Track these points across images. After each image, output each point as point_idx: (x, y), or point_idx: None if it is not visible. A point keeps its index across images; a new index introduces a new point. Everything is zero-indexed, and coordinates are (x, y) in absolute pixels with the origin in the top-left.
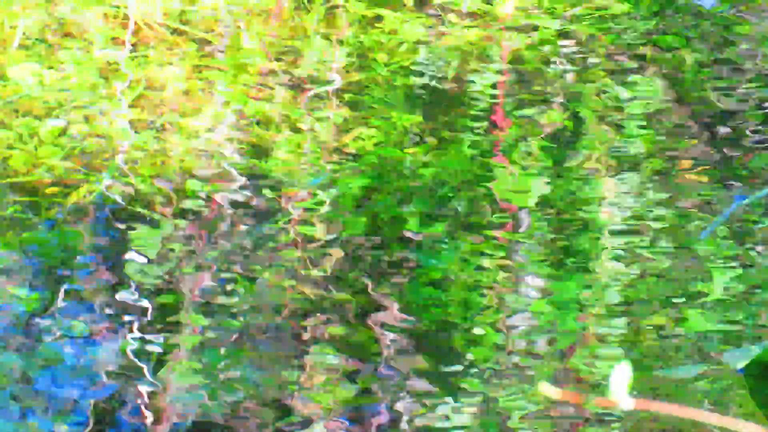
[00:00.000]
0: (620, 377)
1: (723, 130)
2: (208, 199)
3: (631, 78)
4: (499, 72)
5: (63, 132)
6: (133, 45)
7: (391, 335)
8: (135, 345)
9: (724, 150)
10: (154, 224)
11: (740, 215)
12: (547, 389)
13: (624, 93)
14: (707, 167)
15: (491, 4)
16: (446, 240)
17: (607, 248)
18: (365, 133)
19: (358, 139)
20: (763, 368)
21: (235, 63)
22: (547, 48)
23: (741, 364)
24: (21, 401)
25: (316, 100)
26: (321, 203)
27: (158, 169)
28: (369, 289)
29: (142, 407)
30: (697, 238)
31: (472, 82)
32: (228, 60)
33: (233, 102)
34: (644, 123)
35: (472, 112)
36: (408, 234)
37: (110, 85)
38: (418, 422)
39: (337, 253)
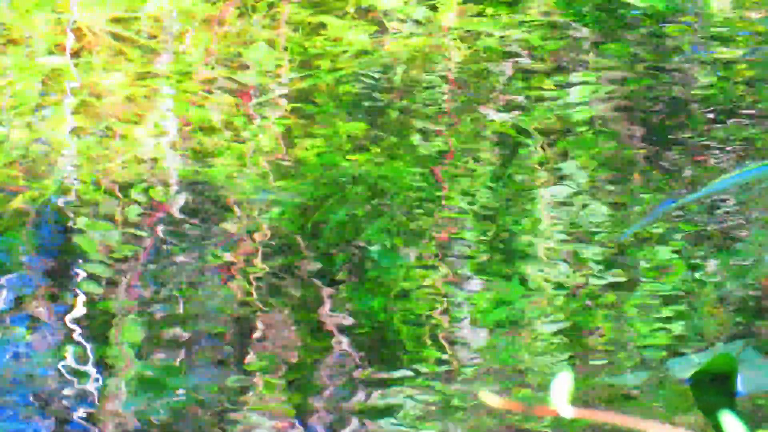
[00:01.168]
0: (561, 386)
1: (667, 136)
2: (151, 206)
3: (576, 86)
4: (444, 79)
5: (5, 139)
6: (76, 51)
7: (335, 341)
8: (74, 351)
9: (668, 156)
10: (96, 231)
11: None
12: (488, 398)
13: (568, 100)
14: (652, 173)
15: (436, 11)
16: (390, 246)
17: (548, 254)
18: (309, 141)
19: (302, 147)
20: (709, 378)
21: (179, 70)
22: (491, 56)
23: (686, 374)
24: None
25: (260, 108)
26: (264, 211)
27: (101, 175)
28: (313, 296)
29: (83, 413)
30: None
31: (417, 89)
32: (171, 67)
33: (177, 109)
34: (588, 130)
35: (417, 121)
36: (352, 241)
37: (53, 92)
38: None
39: (280, 259)
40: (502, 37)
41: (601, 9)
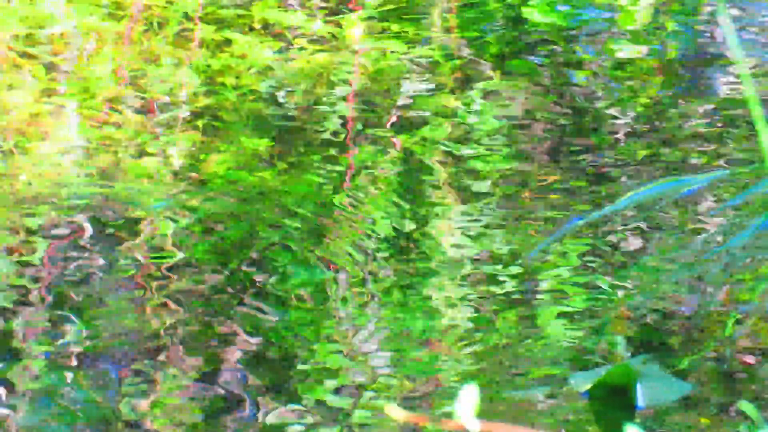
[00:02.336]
0: (467, 400)
1: (572, 153)
2: (56, 223)
3: (480, 102)
4: (349, 96)
5: None
6: None
7: (237, 357)
8: None
9: (573, 174)
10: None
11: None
12: (394, 412)
13: (472, 116)
14: (557, 190)
15: (340, 28)
16: (295, 265)
17: (454, 271)
18: (215, 157)
19: (208, 163)
20: (608, 391)
21: (85, 87)
22: (396, 72)
23: (586, 387)
24: None
25: (166, 124)
26: (169, 228)
27: (4, 193)
28: (217, 312)
29: None
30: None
31: (322, 105)
32: (77, 84)
33: (82, 126)
34: (493, 147)
35: (322, 137)
36: (257, 258)
37: None
38: None
39: (186, 276)
40: (406, 53)
41: (505, 26)
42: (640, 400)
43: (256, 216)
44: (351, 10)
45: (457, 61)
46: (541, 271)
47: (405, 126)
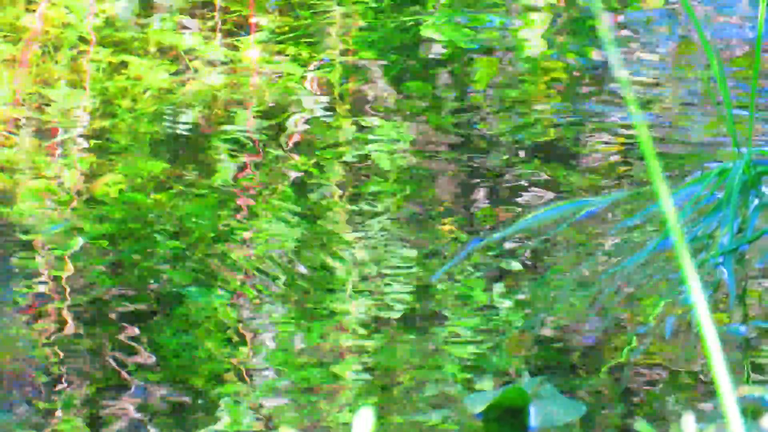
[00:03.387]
0: (362, 423)
1: (473, 174)
2: None
3: (378, 124)
4: (245, 117)
5: None
6: None
7: (137, 379)
8: None
9: (474, 195)
10: None
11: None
12: None
13: (371, 139)
14: (459, 211)
15: (237, 50)
16: (195, 288)
17: (355, 293)
18: (111, 179)
19: (104, 185)
20: (501, 413)
21: None
22: (292, 94)
23: (480, 409)
24: None
25: (62, 147)
26: (65, 251)
27: None
28: (117, 336)
29: None
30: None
31: (218, 127)
32: None
33: None
34: (391, 169)
35: (218, 159)
36: (156, 278)
37: None
38: None
39: (84, 298)
40: (303, 76)
41: (404, 46)
42: (533, 422)
43: (153, 238)
44: (247, 33)
45: (354, 84)
46: (441, 291)
47: (302, 148)
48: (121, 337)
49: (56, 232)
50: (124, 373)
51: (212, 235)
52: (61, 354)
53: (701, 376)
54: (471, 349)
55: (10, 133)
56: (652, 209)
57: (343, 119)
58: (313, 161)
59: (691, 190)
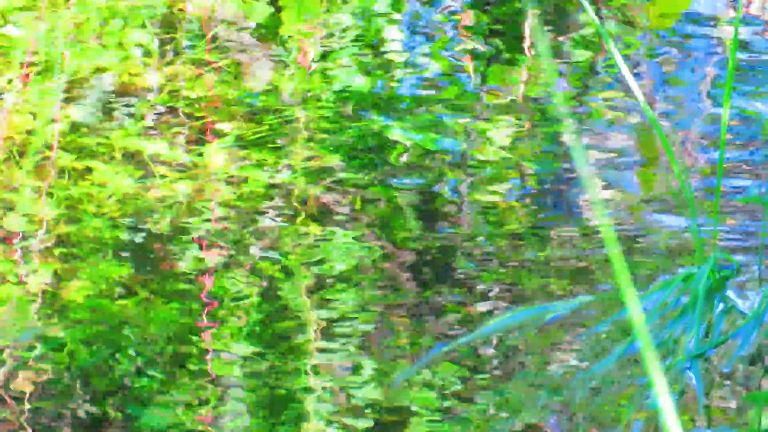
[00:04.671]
0: None
1: (436, 280)
2: None
3: (342, 232)
4: (209, 223)
5: None
6: None
7: None
8: None
9: (438, 301)
10: None
11: None
12: None
13: (334, 244)
14: (422, 317)
15: (202, 156)
16: (163, 392)
17: (318, 402)
18: (76, 284)
19: (69, 291)
20: None
21: None
22: (257, 200)
23: None
24: None
25: (26, 253)
26: (31, 354)
27: None
28: None
29: None
30: None
31: (183, 233)
32: None
33: None
34: (354, 274)
35: (183, 265)
36: (122, 384)
37: None
38: None
39: (49, 403)
40: (268, 182)
41: (370, 151)
42: None
43: (117, 344)
44: (212, 139)
45: (319, 189)
46: (404, 397)
47: (266, 253)
48: None
49: (19, 337)
50: None
51: (176, 342)
52: None
53: None
54: None
55: None
56: (620, 314)
57: (307, 225)
58: (277, 267)
59: (657, 295)
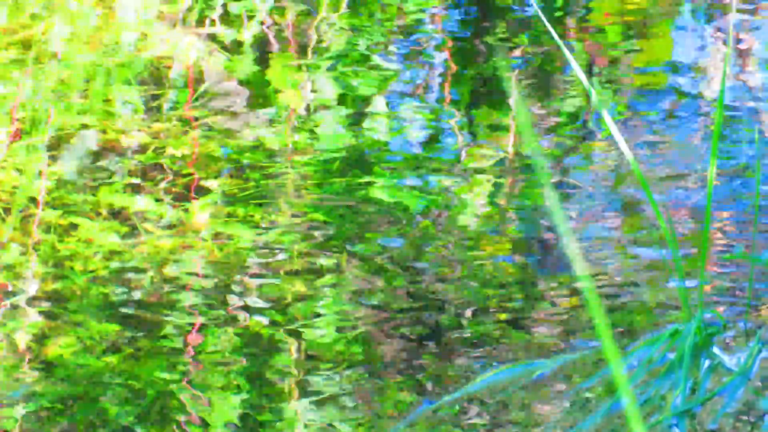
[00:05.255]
0: None
1: (420, 336)
2: None
3: (328, 288)
4: (196, 278)
5: None
6: None
7: None
8: None
9: (422, 358)
10: None
11: None
12: None
13: (319, 302)
14: (410, 370)
15: (188, 213)
16: None
17: None
18: (62, 341)
19: (55, 347)
20: None
21: None
22: (244, 257)
23: None
24: None
25: (12, 310)
26: (18, 410)
27: None
28: None
29: None
30: None
31: (169, 290)
32: None
33: None
34: (338, 330)
35: (169, 322)
36: None
37: None
38: None
39: None
40: (253, 239)
41: (352, 207)
42: None
43: (102, 401)
44: (198, 196)
45: (304, 245)
46: None
47: (252, 311)
48: None
49: (6, 393)
50: None
51: (162, 398)
52: None
53: None
54: None
55: None
56: (606, 371)
57: (293, 281)
58: (262, 324)
59: (644, 351)
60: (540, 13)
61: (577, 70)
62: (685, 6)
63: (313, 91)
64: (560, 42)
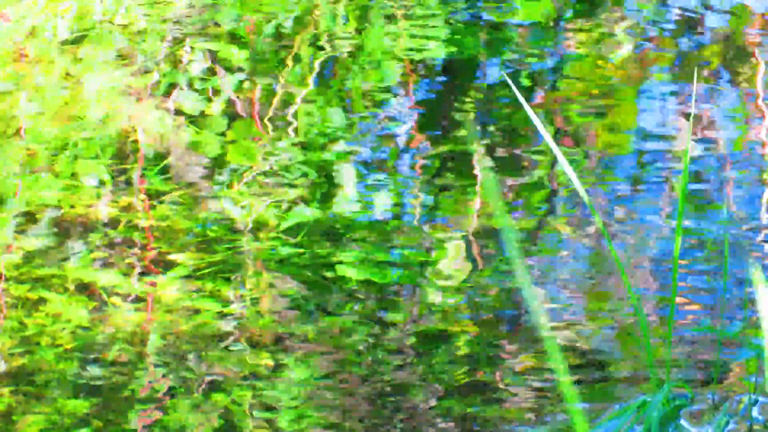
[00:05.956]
0: None
1: (392, 411)
2: None
3: (293, 364)
4: (164, 351)
5: None
6: None
7: None
8: None
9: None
10: None
11: None
12: None
13: (288, 376)
14: None
15: (155, 287)
16: None
17: None
18: (30, 418)
19: (24, 424)
20: None
21: None
22: (211, 329)
23: None
24: None
25: None
26: None
27: None
28: None
29: None
30: None
31: (138, 363)
32: None
33: None
34: (307, 410)
35: (138, 395)
36: None
37: None
38: None
39: None
40: (220, 312)
41: (318, 283)
42: None
43: None
44: (165, 270)
45: (271, 320)
46: None
47: (218, 387)
48: None
49: None
50: None
51: None
52: None
53: None
54: None
55: None
56: None
57: (259, 355)
58: (228, 401)
59: (612, 423)
60: (510, 83)
61: (549, 140)
62: (651, 73)
63: (279, 164)
64: (531, 112)
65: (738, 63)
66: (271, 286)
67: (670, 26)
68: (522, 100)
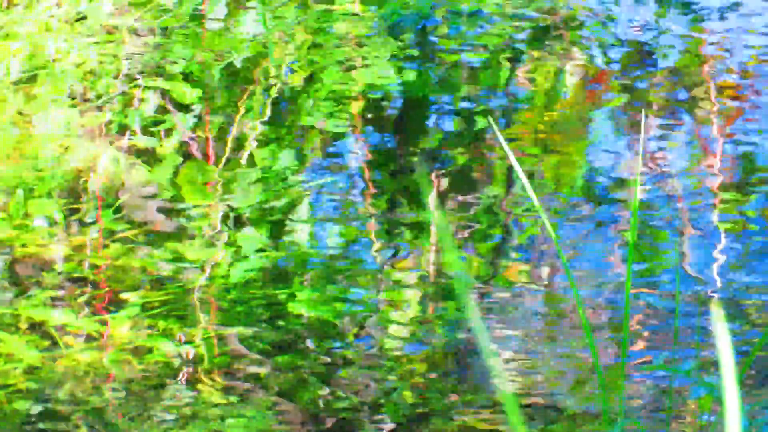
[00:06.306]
0: None
1: None
2: None
3: (242, 402)
4: (114, 393)
5: None
6: None
7: None
8: None
9: None
10: None
11: None
12: None
13: (234, 420)
14: None
15: (107, 325)
16: None
17: None
18: None
19: None
20: None
21: None
22: (165, 369)
23: None
24: None
25: None
26: None
27: None
28: None
29: None
30: None
31: (90, 402)
32: None
33: None
34: None
35: None
36: None
37: None
38: None
39: None
40: (173, 351)
41: (271, 319)
42: None
43: None
44: (117, 308)
45: (224, 359)
46: None
47: (173, 424)
48: None
49: None
50: None
51: None
52: None
53: None
54: None
55: None
56: None
57: (213, 395)
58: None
59: None
60: (492, 124)
61: (524, 181)
62: (600, 114)
63: (231, 204)
64: (510, 153)
65: (691, 96)
66: (224, 325)
67: (622, 58)
68: (503, 141)
